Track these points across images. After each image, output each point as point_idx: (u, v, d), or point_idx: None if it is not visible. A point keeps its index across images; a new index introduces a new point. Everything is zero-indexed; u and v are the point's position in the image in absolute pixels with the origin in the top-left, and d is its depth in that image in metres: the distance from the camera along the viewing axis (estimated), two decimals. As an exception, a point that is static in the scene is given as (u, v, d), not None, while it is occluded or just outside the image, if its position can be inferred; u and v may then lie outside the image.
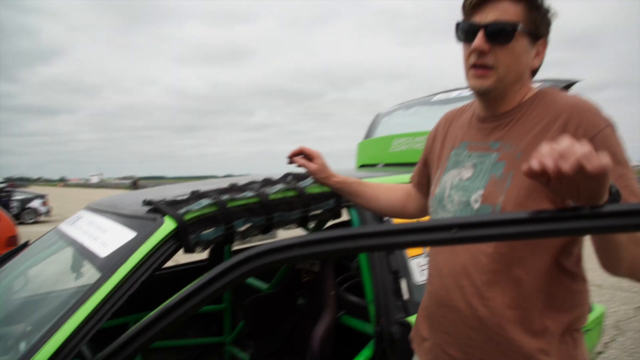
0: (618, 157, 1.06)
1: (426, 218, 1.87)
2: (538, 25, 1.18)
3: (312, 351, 1.95)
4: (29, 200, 19.60)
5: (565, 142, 0.79)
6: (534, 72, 1.26)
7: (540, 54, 1.23)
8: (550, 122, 1.14)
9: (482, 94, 1.24)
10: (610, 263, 1.00)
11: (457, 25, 1.23)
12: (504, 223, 0.80)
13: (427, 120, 2.86)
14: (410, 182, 1.66)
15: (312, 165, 1.62)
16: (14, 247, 2.34)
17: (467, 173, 1.28)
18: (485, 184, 1.21)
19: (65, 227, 1.98)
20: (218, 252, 3.13)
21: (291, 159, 1.64)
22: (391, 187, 1.66)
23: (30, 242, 2.28)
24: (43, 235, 2.19)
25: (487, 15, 1.15)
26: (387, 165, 3.03)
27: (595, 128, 1.08)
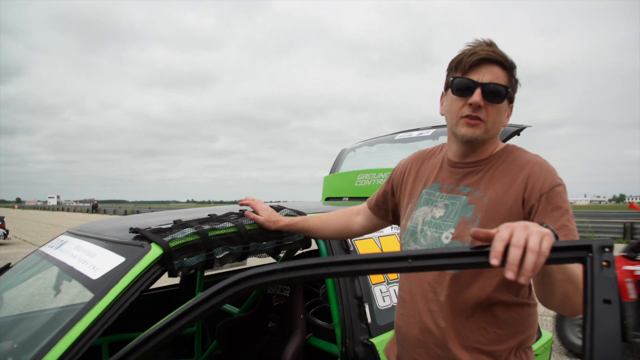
0: (563, 210, 1.27)
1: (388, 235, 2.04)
2: (513, 91, 1.41)
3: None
4: (-15, 222, 18.77)
5: (534, 238, 0.89)
6: None
7: (509, 115, 1.44)
8: (515, 177, 1.35)
9: (470, 142, 1.40)
10: (546, 297, 1.17)
11: (454, 79, 1.38)
12: (449, 255, 0.99)
13: (390, 157, 3.07)
14: (366, 204, 1.82)
15: (260, 218, 1.86)
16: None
17: (439, 212, 1.45)
18: (456, 224, 1.39)
19: (50, 251, 2.07)
20: (190, 277, 3.23)
21: (242, 205, 1.96)
22: (333, 214, 1.87)
23: (12, 264, 2.34)
24: (25, 258, 2.27)
25: (484, 76, 1.34)
26: (352, 198, 3.20)
27: (550, 185, 1.29)
